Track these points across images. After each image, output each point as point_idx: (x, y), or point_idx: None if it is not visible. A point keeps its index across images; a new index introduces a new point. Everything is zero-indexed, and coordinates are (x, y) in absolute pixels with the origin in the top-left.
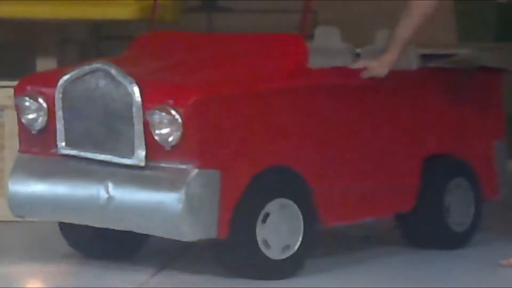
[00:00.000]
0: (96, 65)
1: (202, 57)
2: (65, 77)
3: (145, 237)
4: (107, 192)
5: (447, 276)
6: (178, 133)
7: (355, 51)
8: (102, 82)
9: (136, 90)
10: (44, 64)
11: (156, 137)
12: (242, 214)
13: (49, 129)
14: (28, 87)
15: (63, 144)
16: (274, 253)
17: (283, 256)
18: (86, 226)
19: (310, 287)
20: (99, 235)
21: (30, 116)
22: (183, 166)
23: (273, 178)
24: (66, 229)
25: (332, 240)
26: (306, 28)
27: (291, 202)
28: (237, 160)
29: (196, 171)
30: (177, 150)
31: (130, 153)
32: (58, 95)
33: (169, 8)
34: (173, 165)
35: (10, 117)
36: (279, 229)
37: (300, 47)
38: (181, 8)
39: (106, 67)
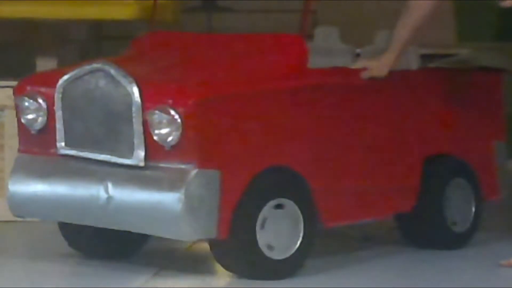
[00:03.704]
0: (96, 65)
1: (202, 57)
2: (65, 77)
3: (145, 237)
4: (107, 192)
5: (447, 276)
6: (178, 133)
7: (355, 51)
8: (101, 82)
9: (135, 90)
10: (44, 64)
11: (156, 137)
12: (242, 214)
13: (48, 129)
14: (28, 87)
15: (63, 144)
16: (274, 253)
17: (283, 256)
18: (86, 226)
19: (310, 287)
20: (99, 235)
21: (30, 116)
22: (183, 166)
23: (273, 178)
24: (66, 229)
25: (332, 240)
26: (306, 28)
27: (291, 202)
28: (237, 160)
29: (196, 171)
30: (177, 150)
31: (130, 153)
32: (57, 95)
33: (169, 8)
34: (172, 165)
35: (10, 117)
36: (279, 229)
37: (300, 47)
38: (181, 8)
39: (106, 67)
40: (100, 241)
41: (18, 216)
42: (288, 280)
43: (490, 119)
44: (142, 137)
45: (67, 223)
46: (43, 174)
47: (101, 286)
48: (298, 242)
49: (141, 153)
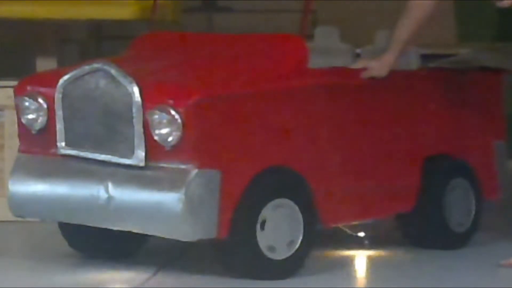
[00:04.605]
0: (96, 65)
1: (202, 57)
2: (65, 77)
3: (145, 237)
4: (107, 192)
5: (447, 276)
6: (178, 133)
7: (355, 51)
8: (102, 82)
9: (136, 90)
10: (44, 64)
11: (156, 137)
12: (242, 214)
13: (49, 129)
14: (28, 87)
15: (63, 144)
16: (274, 253)
17: (283, 256)
18: (86, 226)
19: (310, 287)
20: (99, 235)
21: (30, 116)
22: (183, 166)
23: (273, 178)
24: (66, 229)
25: (332, 240)
26: (306, 28)
27: (291, 202)
28: (237, 160)
29: (196, 171)
30: (177, 150)
31: (130, 153)
32: (58, 95)
33: (169, 8)
34: (173, 165)
35: (10, 117)
36: (279, 229)
37: (300, 47)
38: (181, 8)
39: (106, 67)
40: (100, 241)
41: (18, 216)
42: (288, 280)
43: (490, 119)
44: (143, 137)
45: (67, 223)
46: (43, 174)
47: (101, 286)
48: (298, 242)
49: (142, 153)
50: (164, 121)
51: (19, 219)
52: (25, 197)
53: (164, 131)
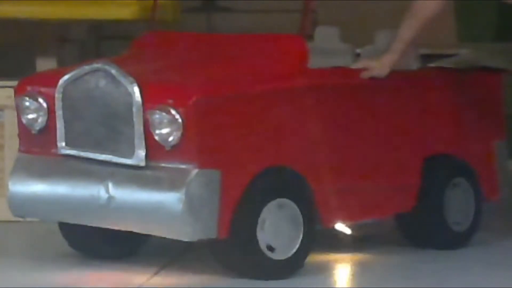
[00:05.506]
0: (96, 65)
1: (202, 57)
2: (65, 77)
3: (145, 237)
4: (107, 192)
5: (447, 276)
6: (178, 133)
7: (355, 51)
8: (102, 82)
9: (136, 90)
10: (44, 64)
11: (156, 137)
12: (242, 214)
13: (49, 129)
14: (28, 87)
15: (63, 144)
16: (274, 253)
17: (283, 256)
18: (86, 226)
19: (310, 287)
20: (99, 235)
21: (30, 116)
22: (183, 166)
23: (273, 178)
24: (66, 229)
25: (332, 240)
26: (306, 28)
27: (291, 202)
28: (237, 160)
29: (196, 171)
30: (177, 150)
31: (130, 153)
32: (58, 95)
33: (169, 8)
34: (173, 165)
35: (10, 117)
36: (279, 229)
37: (300, 47)
38: (181, 8)
39: (106, 67)
40: (100, 241)
41: (18, 216)
42: (288, 280)
43: (490, 119)
44: (143, 137)
45: (67, 223)
46: (44, 174)
47: (101, 286)
48: (298, 242)
49: (142, 153)
50: (165, 121)
51: (19, 219)
52: (25, 197)
53: (165, 131)
